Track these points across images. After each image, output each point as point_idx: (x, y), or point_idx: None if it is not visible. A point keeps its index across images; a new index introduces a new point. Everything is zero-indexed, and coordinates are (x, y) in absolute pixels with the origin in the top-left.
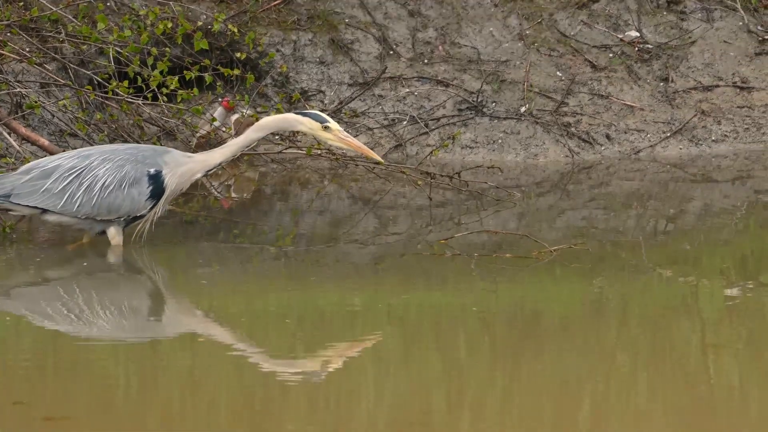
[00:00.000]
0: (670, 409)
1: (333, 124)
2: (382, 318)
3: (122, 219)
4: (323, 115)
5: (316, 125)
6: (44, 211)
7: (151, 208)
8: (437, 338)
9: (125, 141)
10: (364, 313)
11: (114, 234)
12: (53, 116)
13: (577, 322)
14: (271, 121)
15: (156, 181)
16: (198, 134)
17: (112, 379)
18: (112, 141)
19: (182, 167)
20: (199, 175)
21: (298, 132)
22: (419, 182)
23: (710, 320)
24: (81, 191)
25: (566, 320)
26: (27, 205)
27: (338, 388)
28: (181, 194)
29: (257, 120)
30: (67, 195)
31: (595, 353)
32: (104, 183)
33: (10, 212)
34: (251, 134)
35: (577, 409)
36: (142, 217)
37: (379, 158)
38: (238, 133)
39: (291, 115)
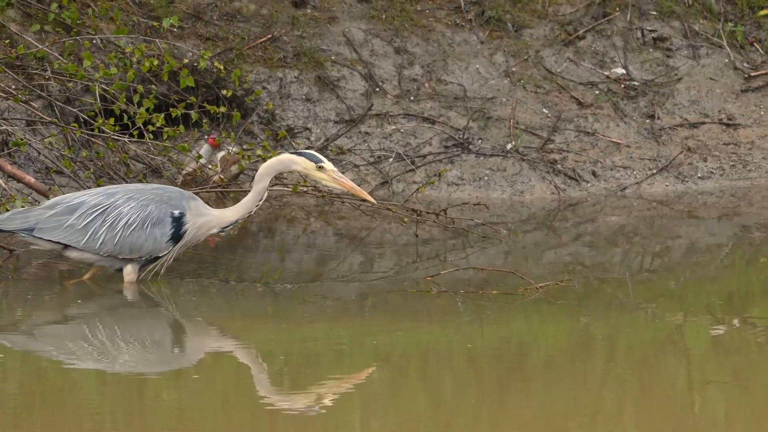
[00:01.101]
0: None
1: (327, 164)
2: (369, 355)
3: (143, 258)
4: (318, 155)
5: (311, 165)
6: (66, 246)
7: (170, 250)
8: (424, 375)
9: (111, 179)
10: (351, 350)
11: (130, 271)
12: (39, 153)
13: (564, 359)
14: (269, 166)
15: (179, 222)
16: (184, 171)
17: (98, 411)
18: (98, 179)
19: (202, 218)
20: (214, 230)
21: (291, 172)
22: (405, 219)
23: (696, 357)
24: (104, 229)
25: (552, 357)
26: (50, 240)
27: (326, 423)
28: None
29: (242, 157)
30: (90, 232)
31: (581, 389)
32: (127, 221)
33: (33, 246)
34: (257, 186)
35: None
36: (159, 257)
37: (372, 199)
38: (223, 170)
39: (286, 156)
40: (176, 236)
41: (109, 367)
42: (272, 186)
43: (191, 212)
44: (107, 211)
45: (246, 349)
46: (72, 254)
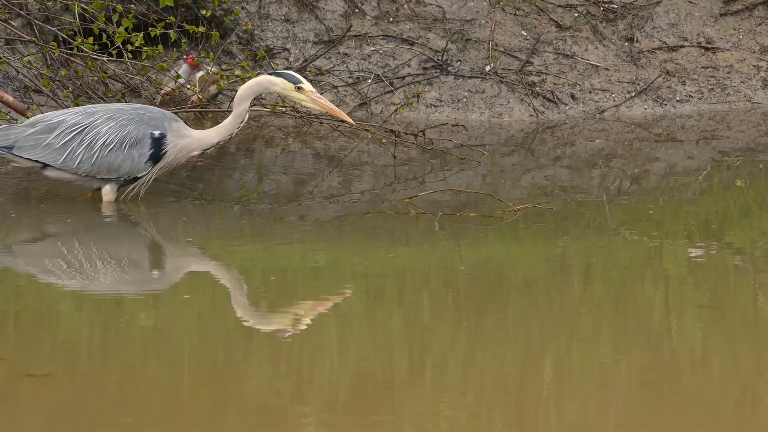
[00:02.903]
0: (633, 368)
1: (306, 85)
2: (345, 276)
3: (120, 179)
4: (297, 75)
5: (290, 86)
6: (45, 165)
7: (148, 171)
8: (400, 297)
9: (90, 98)
10: (327, 271)
11: (108, 191)
12: (18, 72)
13: (541, 282)
14: (248, 88)
15: (159, 143)
16: (162, 91)
17: (75, 329)
18: (76, 98)
19: (183, 139)
20: (195, 152)
21: (271, 93)
22: (384, 140)
23: (674, 280)
24: (82, 148)
25: (530, 279)
26: (28, 159)
27: (302, 344)
28: None
29: (221, 77)
30: (68, 151)
31: (558, 312)
32: (105, 141)
33: (12, 164)
34: (237, 109)
35: (540, 367)
36: (138, 178)
37: (350, 120)
38: (202, 90)
39: (265, 77)
40: (155, 157)
41: (85, 287)
42: (251, 107)
43: (172, 133)
44: (86, 131)
45: (223, 269)
46: (51, 173)
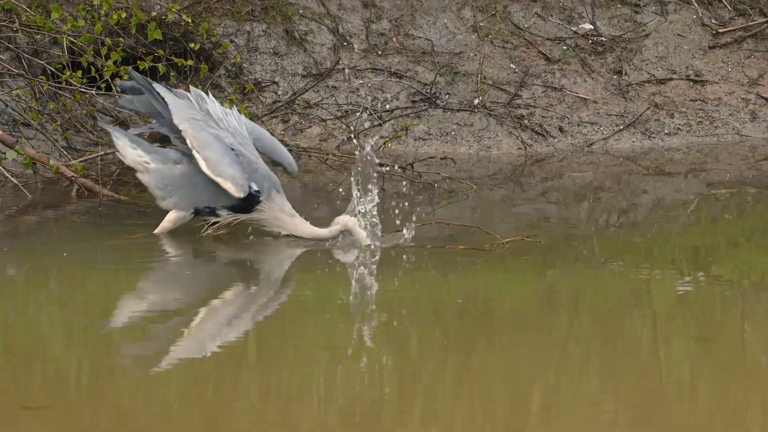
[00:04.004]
0: (621, 400)
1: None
2: (334, 309)
3: (192, 207)
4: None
5: (365, 240)
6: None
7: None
8: (389, 329)
9: (78, 131)
10: (315, 305)
11: (172, 217)
12: (6, 105)
13: (530, 314)
14: (344, 225)
15: (248, 199)
16: (149, 125)
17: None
18: (65, 131)
19: (279, 214)
20: (285, 233)
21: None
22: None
23: (662, 312)
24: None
25: (518, 312)
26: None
27: (291, 377)
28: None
29: None
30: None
31: (547, 345)
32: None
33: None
34: (335, 227)
35: (529, 399)
36: (216, 214)
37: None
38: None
39: (354, 224)
40: (236, 207)
41: (77, 319)
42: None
43: (269, 200)
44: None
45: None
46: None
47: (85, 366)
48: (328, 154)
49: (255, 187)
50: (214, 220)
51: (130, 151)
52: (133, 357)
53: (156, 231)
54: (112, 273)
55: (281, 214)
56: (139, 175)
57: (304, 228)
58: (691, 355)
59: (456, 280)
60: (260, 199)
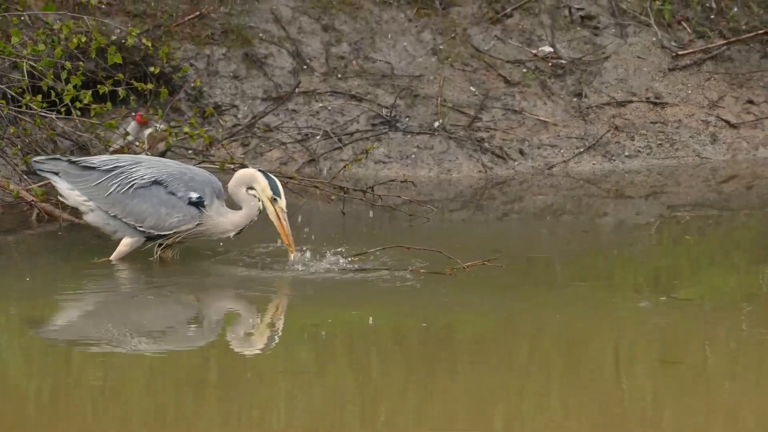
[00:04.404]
0: (583, 424)
1: (281, 201)
2: (294, 334)
3: (144, 232)
4: (281, 188)
5: (269, 193)
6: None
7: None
8: (350, 354)
9: (38, 155)
10: (276, 329)
11: (126, 243)
12: None
13: (490, 339)
14: (237, 179)
15: (195, 207)
16: (111, 149)
17: None
18: (25, 155)
19: (221, 218)
20: (230, 234)
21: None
22: (332, 197)
23: (624, 335)
24: (115, 187)
25: (479, 337)
26: (68, 188)
27: (252, 399)
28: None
29: (170, 134)
30: (103, 189)
31: (508, 370)
32: (138, 185)
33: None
34: (238, 196)
35: (491, 423)
36: (164, 236)
37: (294, 253)
38: (150, 147)
39: (254, 173)
40: (185, 220)
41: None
42: (200, 164)
43: (212, 207)
44: (124, 171)
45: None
46: (88, 218)
47: (44, 389)
48: (288, 178)
49: (195, 196)
50: (160, 240)
51: (68, 193)
52: (94, 381)
53: (112, 257)
54: (73, 299)
55: (221, 218)
56: (84, 217)
57: (239, 218)
58: (654, 378)
59: (417, 304)
60: (205, 203)
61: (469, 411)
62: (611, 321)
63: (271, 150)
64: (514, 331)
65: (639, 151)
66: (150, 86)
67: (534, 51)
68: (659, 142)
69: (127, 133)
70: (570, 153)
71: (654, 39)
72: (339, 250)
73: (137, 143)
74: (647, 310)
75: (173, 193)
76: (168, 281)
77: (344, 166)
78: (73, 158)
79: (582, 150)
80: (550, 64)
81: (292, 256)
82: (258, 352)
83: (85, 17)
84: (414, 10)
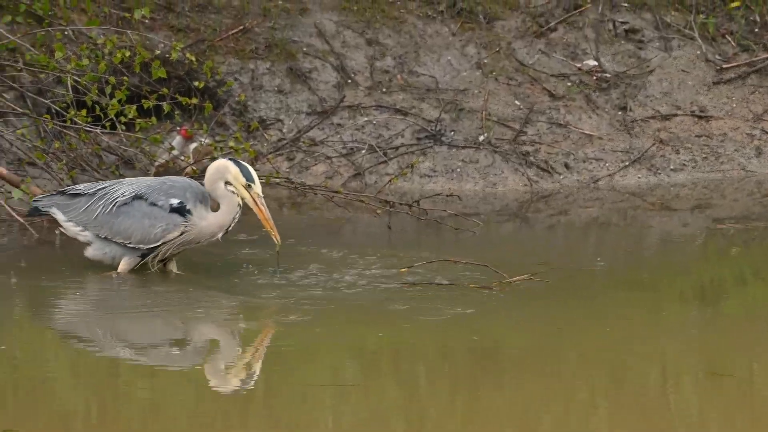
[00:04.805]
0: None
1: (257, 186)
2: (342, 349)
3: (137, 249)
4: (253, 174)
5: (242, 180)
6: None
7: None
8: (396, 368)
9: (83, 170)
10: (325, 345)
11: (124, 263)
12: (11, 145)
13: (537, 352)
14: (211, 174)
15: (178, 213)
16: (156, 163)
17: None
18: (70, 170)
19: (203, 221)
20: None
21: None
22: (378, 211)
23: (671, 349)
24: (99, 209)
25: (526, 350)
26: (62, 219)
27: (300, 416)
28: None
29: (215, 148)
30: (89, 212)
31: (554, 381)
32: (119, 203)
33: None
34: (216, 192)
35: None
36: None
37: (277, 239)
38: (196, 162)
39: (223, 162)
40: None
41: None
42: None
43: (196, 213)
44: (106, 192)
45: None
46: (87, 251)
47: (93, 400)
48: (334, 192)
49: (175, 202)
50: (153, 254)
51: (66, 225)
52: (139, 392)
53: (115, 272)
54: (120, 312)
55: (204, 222)
56: (85, 253)
57: (222, 217)
58: (700, 392)
59: (463, 318)
60: (187, 208)
61: (514, 425)
62: (658, 333)
63: (316, 164)
64: (561, 344)
65: (684, 164)
66: (194, 101)
67: (578, 65)
68: (704, 155)
69: (172, 148)
70: (615, 166)
71: (698, 52)
72: (385, 263)
73: (182, 158)
74: (694, 323)
75: (154, 204)
76: (212, 297)
77: (390, 180)
78: (64, 189)
79: (627, 163)
80: (594, 77)
81: (276, 242)
82: (302, 365)
83: (128, 32)
84: (458, 24)
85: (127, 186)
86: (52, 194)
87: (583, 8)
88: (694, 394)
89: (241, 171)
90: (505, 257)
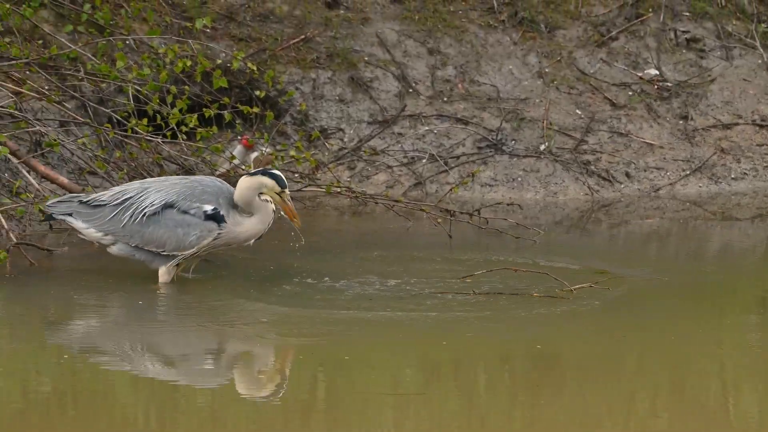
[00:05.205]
0: None
1: (287, 190)
2: (404, 356)
3: (175, 256)
4: (285, 179)
5: (278, 189)
6: (107, 241)
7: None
8: (457, 375)
9: (144, 179)
10: (387, 352)
11: (164, 272)
12: (72, 154)
13: (598, 361)
14: (248, 188)
15: (213, 219)
16: (217, 172)
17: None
18: (131, 179)
19: (239, 227)
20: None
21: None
22: (439, 220)
23: (732, 360)
24: (128, 218)
25: (586, 359)
26: (84, 225)
27: (361, 422)
28: None
29: (276, 158)
30: (117, 221)
31: (615, 393)
32: (148, 213)
33: (80, 235)
34: (251, 202)
35: None
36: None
37: (299, 223)
38: None
39: (260, 178)
40: (204, 235)
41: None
42: (306, 187)
43: (230, 219)
44: (134, 201)
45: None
46: (112, 249)
47: (151, 412)
48: (395, 201)
49: (209, 208)
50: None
51: (86, 231)
52: (198, 403)
53: (159, 284)
54: (173, 326)
55: (238, 227)
56: (109, 249)
57: (258, 224)
58: (761, 401)
59: (525, 326)
60: (221, 214)
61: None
62: (719, 343)
63: (377, 173)
64: (621, 355)
65: (745, 173)
66: (256, 110)
67: (639, 74)
68: (765, 164)
69: (233, 157)
70: (676, 175)
71: (760, 61)
72: (446, 272)
73: (243, 167)
74: (756, 333)
75: (186, 212)
76: (271, 307)
77: (450, 189)
78: (83, 198)
79: (688, 172)
80: (655, 86)
81: (298, 225)
82: (361, 372)
83: (190, 41)
84: (519, 34)
85: (155, 193)
86: (68, 200)
87: (644, 17)
88: (754, 404)
89: (277, 182)
90: (566, 266)
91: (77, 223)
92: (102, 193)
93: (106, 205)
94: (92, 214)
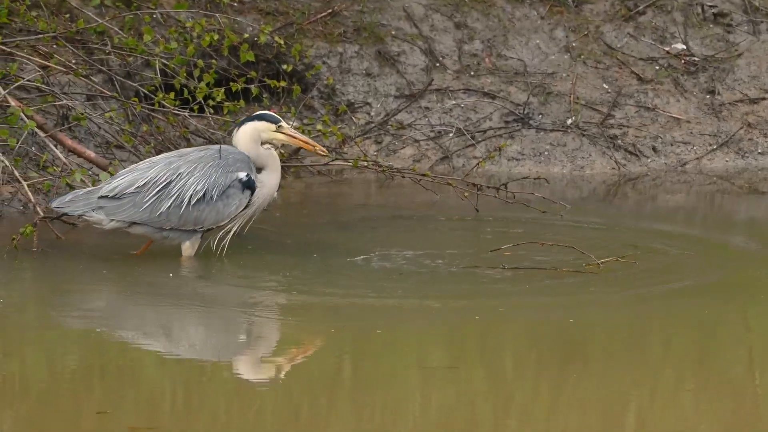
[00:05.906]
0: (715, 424)
1: (283, 123)
2: (430, 331)
3: (202, 229)
4: (275, 114)
5: (273, 127)
6: (131, 224)
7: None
8: (484, 350)
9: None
10: (413, 326)
11: (188, 246)
12: (99, 128)
13: (624, 336)
14: (249, 135)
15: (246, 187)
16: None
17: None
18: (158, 153)
19: (265, 187)
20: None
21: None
22: (466, 194)
23: (760, 337)
24: (170, 203)
25: (613, 334)
26: (119, 220)
27: (386, 394)
28: None
29: (303, 131)
30: (155, 208)
31: (641, 368)
32: (192, 194)
33: (95, 225)
34: (258, 152)
35: (621, 424)
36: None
37: (324, 151)
38: (284, 145)
39: (251, 125)
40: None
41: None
42: (333, 161)
43: (258, 181)
44: (172, 185)
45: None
46: (136, 230)
47: (179, 390)
48: (421, 175)
49: (243, 175)
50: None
51: (108, 224)
52: (226, 381)
53: (183, 258)
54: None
55: (264, 187)
56: (130, 230)
57: (273, 178)
58: None
59: (551, 300)
60: (252, 179)
61: (599, 409)
62: (746, 323)
63: (404, 147)
64: (647, 330)
65: None
66: (283, 84)
67: (667, 48)
68: None
69: None
70: (703, 150)
71: None
72: (473, 246)
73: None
74: None
75: (227, 186)
76: (309, 280)
77: (477, 164)
78: (101, 192)
79: (715, 147)
80: (682, 61)
81: (325, 154)
82: (389, 347)
83: (217, 15)
84: (546, 8)
85: (194, 178)
86: (86, 198)
87: None
88: None
89: (267, 120)
90: (593, 240)
91: (97, 217)
92: (115, 182)
93: (135, 195)
94: (119, 206)
